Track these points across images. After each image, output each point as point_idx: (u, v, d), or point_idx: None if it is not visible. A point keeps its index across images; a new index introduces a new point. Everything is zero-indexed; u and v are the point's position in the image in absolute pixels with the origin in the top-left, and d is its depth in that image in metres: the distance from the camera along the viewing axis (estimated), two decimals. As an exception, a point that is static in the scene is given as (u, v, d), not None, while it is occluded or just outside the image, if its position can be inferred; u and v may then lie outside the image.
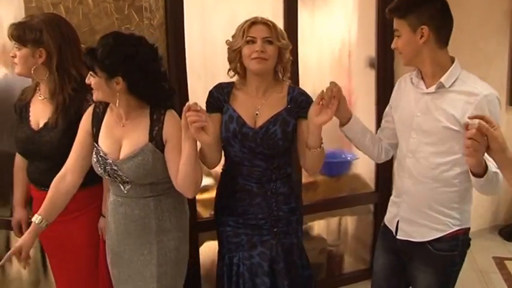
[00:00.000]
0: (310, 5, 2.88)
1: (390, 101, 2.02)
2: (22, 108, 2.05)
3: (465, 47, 2.94)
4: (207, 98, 2.04)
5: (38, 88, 2.06)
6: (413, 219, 1.88)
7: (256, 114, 1.99)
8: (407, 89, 1.91)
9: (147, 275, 1.90)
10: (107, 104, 1.90)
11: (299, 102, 2.01)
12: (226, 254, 2.10)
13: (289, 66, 2.06)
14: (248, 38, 1.93)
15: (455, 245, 1.84)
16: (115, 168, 1.83)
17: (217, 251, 2.18)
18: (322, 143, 1.91)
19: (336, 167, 3.13)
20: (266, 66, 1.94)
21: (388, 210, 2.03)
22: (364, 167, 3.16)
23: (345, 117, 1.92)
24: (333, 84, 1.82)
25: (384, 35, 2.91)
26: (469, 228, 1.88)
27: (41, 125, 2.00)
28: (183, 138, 1.72)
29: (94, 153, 1.88)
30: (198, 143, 1.74)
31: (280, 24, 2.63)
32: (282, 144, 1.98)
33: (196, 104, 1.66)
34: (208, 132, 1.67)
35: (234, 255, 2.07)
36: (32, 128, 2.01)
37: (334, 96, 1.80)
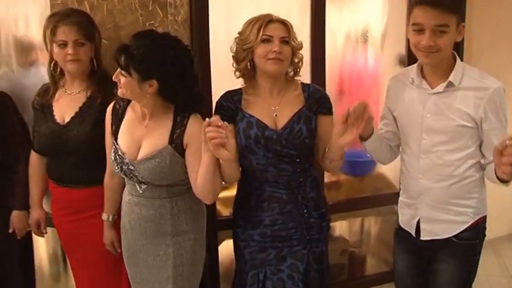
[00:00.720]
0: (338, 0, 2.81)
1: (386, 103, 1.97)
2: (43, 105, 2.03)
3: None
4: (215, 110, 1.94)
5: (60, 84, 2.04)
6: (435, 218, 1.86)
7: (275, 115, 1.91)
8: (407, 90, 1.86)
9: (162, 276, 1.88)
10: (128, 101, 1.87)
11: (317, 98, 1.94)
12: (250, 271, 1.98)
13: (301, 66, 1.97)
14: (264, 37, 1.83)
15: (477, 233, 1.87)
16: (131, 168, 1.80)
17: (234, 268, 2.08)
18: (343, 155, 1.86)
19: (360, 166, 3.06)
20: (282, 67, 1.87)
21: (400, 213, 2.01)
22: (388, 166, 3.06)
23: (367, 133, 1.87)
24: (362, 104, 1.73)
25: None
26: (486, 216, 1.90)
27: (67, 120, 1.99)
28: (203, 151, 1.67)
29: (112, 151, 1.86)
30: None
31: (307, 20, 2.60)
32: (309, 142, 1.91)
33: (217, 118, 1.59)
34: (229, 148, 1.61)
35: (260, 272, 1.96)
36: (57, 122, 1.99)
37: (362, 117, 1.73)
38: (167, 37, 1.77)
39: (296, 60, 1.93)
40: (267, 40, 1.83)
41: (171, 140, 1.78)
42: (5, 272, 2.20)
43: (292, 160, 1.91)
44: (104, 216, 2.00)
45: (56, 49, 1.93)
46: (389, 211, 3.15)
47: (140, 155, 1.81)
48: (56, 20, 1.92)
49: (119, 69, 1.73)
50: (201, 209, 1.96)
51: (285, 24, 1.87)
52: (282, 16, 1.91)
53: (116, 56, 1.71)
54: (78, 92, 2.01)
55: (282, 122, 1.90)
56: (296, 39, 1.90)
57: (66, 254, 2.21)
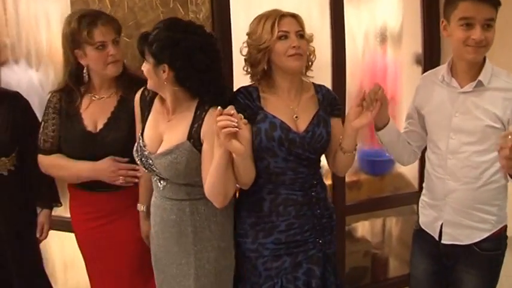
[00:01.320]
0: (355, 0, 2.79)
1: (414, 102, 1.94)
2: (69, 112, 1.95)
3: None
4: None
5: (86, 90, 1.97)
6: (459, 222, 1.83)
7: (295, 117, 1.84)
8: (437, 89, 1.84)
9: (185, 285, 1.80)
10: (155, 93, 1.82)
11: (330, 100, 1.89)
12: (264, 284, 1.84)
13: (313, 59, 1.90)
14: (280, 33, 1.75)
15: (499, 244, 1.84)
16: (150, 162, 1.75)
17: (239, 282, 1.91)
18: (357, 145, 1.81)
19: (380, 165, 3.04)
20: (303, 62, 1.80)
21: (422, 214, 1.96)
22: (408, 166, 3.05)
23: (383, 121, 1.84)
24: (377, 86, 1.72)
25: (430, 29, 2.81)
26: (506, 225, 1.87)
27: (100, 127, 1.93)
28: (215, 146, 1.57)
29: (137, 141, 1.81)
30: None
31: (326, 18, 2.58)
32: (327, 146, 1.86)
33: (231, 107, 1.52)
34: (243, 141, 1.52)
35: (276, 282, 1.84)
36: (88, 131, 1.92)
37: (377, 99, 1.71)
38: (183, 22, 1.73)
39: (308, 53, 1.86)
40: (284, 36, 1.76)
41: (190, 135, 1.71)
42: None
43: (310, 163, 1.86)
44: (140, 207, 1.96)
45: (92, 52, 1.84)
46: (409, 211, 3.12)
47: (160, 150, 1.75)
48: (89, 21, 1.83)
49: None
50: (228, 215, 1.83)
51: (297, 18, 1.81)
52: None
53: (137, 44, 1.70)
54: (109, 97, 1.95)
55: (302, 125, 1.83)
56: (306, 30, 1.84)
57: (85, 260, 2.13)
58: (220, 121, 1.49)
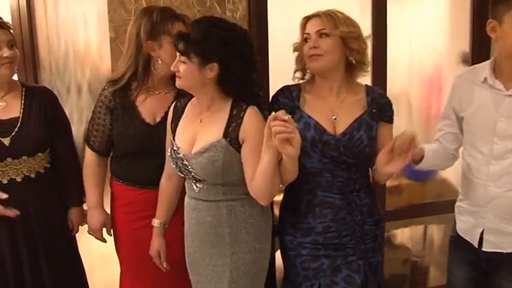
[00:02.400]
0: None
1: (451, 103, 1.86)
2: (124, 105, 1.96)
3: None
4: (270, 105, 1.86)
5: (143, 84, 1.96)
6: (501, 229, 1.77)
7: (334, 118, 1.80)
8: (477, 90, 1.77)
9: (219, 286, 1.78)
10: (188, 100, 1.82)
11: (381, 105, 1.83)
12: (303, 283, 1.85)
13: (365, 60, 1.82)
14: (305, 36, 1.79)
15: None
16: (185, 163, 1.74)
17: (282, 279, 1.96)
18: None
19: (423, 170, 2.93)
20: (321, 63, 1.76)
21: (459, 220, 1.90)
22: (452, 171, 2.93)
23: (417, 157, 1.78)
24: (407, 136, 1.60)
25: (480, 27, 2.67)
26: None
27: (158, 119, 1.95)
28: (264, 148, 1.57)
29: (169, 147, 1.80)
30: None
31: (367, 17, 2.49)
32: (368, 152, 1.79)
33: (283, 113, 1.50)
34: (294, 144, 1.51)
35: (313, 283, 1.84)
36: (147, 122, 1.94)
37: (409, 149, 1.59)
38: (224, 20, 1.74)
39: (351, 50, 1.77)
40: (307, 38, 1.79)
41: (226, 134, 1.70)
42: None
43: (349, 167, 1.80)
44: (155, 223, 1.91)
45: (169, 46, 1.85)
46: (452, 218, 3.00)
47: (194, 149, 1.74)
48: (172, 15, 1.90)
49: (177, 58, 1.68)
50: (264, 216, 1.83)
51: (320, 17, 1.77)
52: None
53: (175, 43, 1.68)
54: (167, 92, 1.96)
55: (341, 127, 1.79)
56: (343, 26, 1.75)
57: (120, 259, 2.12)
58: (275, 126, 1.49)
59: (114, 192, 2.08)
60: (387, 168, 1.63)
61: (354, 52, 1.79)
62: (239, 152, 1.71)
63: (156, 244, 1.92)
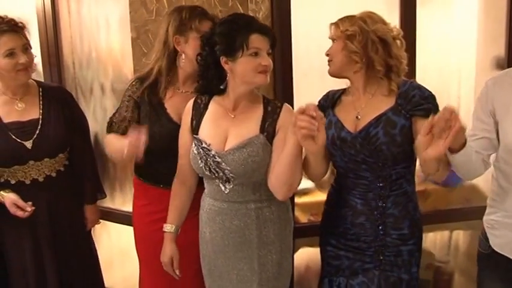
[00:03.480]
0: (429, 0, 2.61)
1: (487, 106, 1.71)
2: (152, 102, 1.95)
3: None
4: None
5: (170, 81, 1.96)
6: None
7: (357, 117, 1.75)
8: None
9: None
10: (210, 97, 1.81)
11: (410, 97, 1.69)
12: (326, 277, 1.90)
13: (379, 58, 1.70)
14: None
15: None
16: (218, 160, 1.70)
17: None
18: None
19: (451, 175, 2.81)
20: (331, 67, 1.79)
21: (492, 235, 1.77)
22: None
23: (458, 144, 1.59)
24: (448, 110, 1.43)
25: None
26: None
27: None
28: (288, 133, 1.57)
29: (194, 145, 1.76)
30: None
31: (395, 18, 2.41)
32: (387, 150, 1.69)
33: (314, 107, 1.46)
34: (318, 141, 1.49)
35: (334, 280, 1.87)
36: (174, 121, 1.93)
37: (450, 126, 1.42)
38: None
39: (351, 50, 1.71)
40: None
41: (263, 129, 1.71)
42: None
43: (371, 167, 1.73)
44: (167, 228, 1.85)
45: (195, 41, 1.86)
46: (479, 225, 2.91)
47: (228, 145, 1.72)
48: (200, 12, 1.92)
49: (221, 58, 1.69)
50: (288, 217, 1.86)
51: (335, 23, 1.78)
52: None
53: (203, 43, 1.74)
54: (192, 92, 1.92)
55: (361, 125, 1.74)
56: (349, 26, 1.71)
57: (140, 258, 2.12)
58: (300, 121, 1.46)
59: (135, 189, 2.09)
60: (429, 152, 1.48)
61: (353, 50, 1.72)
62: None
63: (169, 250, 1.84)
